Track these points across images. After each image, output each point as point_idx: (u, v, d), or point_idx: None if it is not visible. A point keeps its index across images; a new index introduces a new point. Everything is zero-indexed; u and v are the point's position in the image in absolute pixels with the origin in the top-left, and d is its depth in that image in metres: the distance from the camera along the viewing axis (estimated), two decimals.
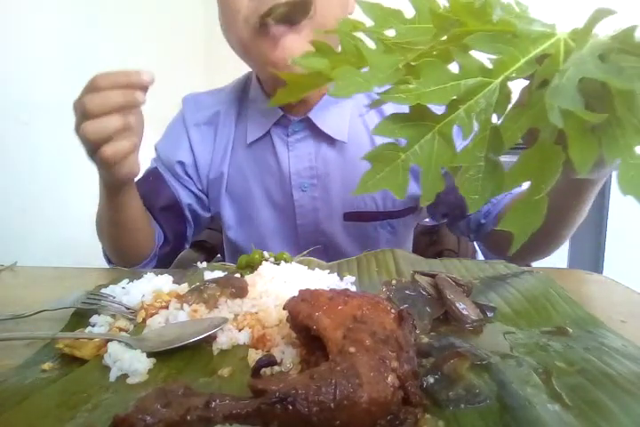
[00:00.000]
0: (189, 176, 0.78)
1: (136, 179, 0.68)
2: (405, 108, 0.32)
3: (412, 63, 0.33)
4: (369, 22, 0.36)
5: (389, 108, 0.74)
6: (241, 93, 0.79)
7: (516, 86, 0.33)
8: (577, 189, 0.55)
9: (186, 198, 0.78)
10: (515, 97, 0.32)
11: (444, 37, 0.33)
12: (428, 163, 0.32)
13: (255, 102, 0.75)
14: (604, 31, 0.31)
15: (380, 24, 0.35)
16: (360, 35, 0.36)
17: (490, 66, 0.31)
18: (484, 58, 0.32)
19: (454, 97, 0.31)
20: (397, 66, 0.32)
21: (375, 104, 0.35)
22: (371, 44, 0.35)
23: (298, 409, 0.24)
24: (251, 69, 0.79)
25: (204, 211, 0.81)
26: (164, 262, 0.76)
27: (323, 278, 0.49)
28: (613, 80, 0.27)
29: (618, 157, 0.30)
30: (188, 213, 0.78)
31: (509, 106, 0.31)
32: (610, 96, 0.29)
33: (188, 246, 0.84)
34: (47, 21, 1.27)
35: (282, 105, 0.71)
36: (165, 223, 0.75)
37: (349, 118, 0.73)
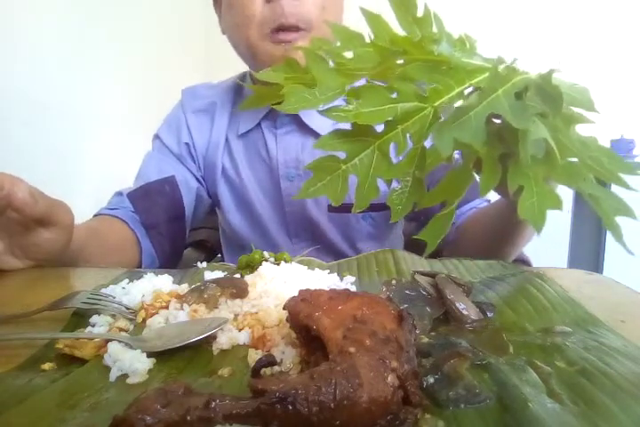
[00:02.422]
0: (192, 159, 0.81)
1: (146, 188, 0.72)
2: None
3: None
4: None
5: None
6: (237, 89, 0.83)
7: None
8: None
9: (194, 182, 0.81)
10: None
11: (393, 62, 0.36)
12: (366, 174, 0.36)
13: None
14: (541, 67, 0.34)
15: (344, 45, 0.38)
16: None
17: (424, 93, 0.35)
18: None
19: (390, 118, 0.34)
20: (343, 87, 0.36)
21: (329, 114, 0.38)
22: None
23: (298, 409, 0.24)
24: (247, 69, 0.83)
25: (207, 196, 0.84)
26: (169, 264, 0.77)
27: (323, 278, 0.49)
28: (513, 119, 0.30)
29: (521, 183, 0.34)
30: (189, 214, 0.80)
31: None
32: (515, 130, 0.32)
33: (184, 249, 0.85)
34: (47, 21, 1.27)
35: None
36: (169, 236, 0.77)
37: None
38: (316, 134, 0.76)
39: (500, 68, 0.34)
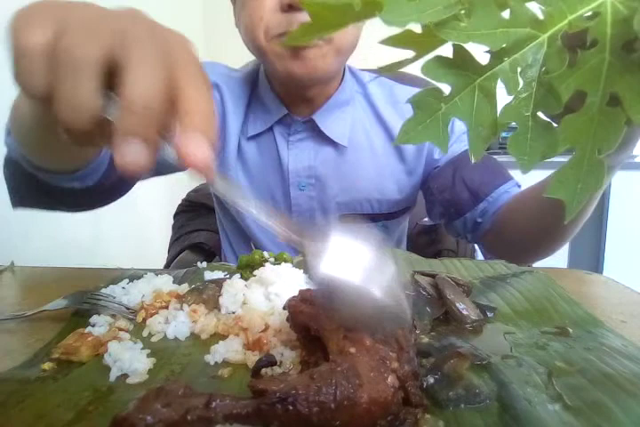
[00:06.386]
0: None
1: None
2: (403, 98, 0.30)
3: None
4: None
5: (388, 112, 0.74)
6: (253, 79, 0.77)
7: None
8: None
9: None
10: None
11: None
12: (470, 117, 0.29)
13: (261, 98, 0.75)
14: None
15: None
16: None
17: (541, 17, 0.28)
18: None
19: (503, 45, 0.28)
20: (449, 2, 0.29)
21: (384, 69, 0.32)
22: None
23: (298, 409, 0.24)
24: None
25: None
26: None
27: None
28: None
29: None
30: None
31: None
32: None
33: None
34: None
35: (290, 94, 0.70)
36: None
37: (351, 123, 0.74)
38: (332, 143, 0.73)
39: None
